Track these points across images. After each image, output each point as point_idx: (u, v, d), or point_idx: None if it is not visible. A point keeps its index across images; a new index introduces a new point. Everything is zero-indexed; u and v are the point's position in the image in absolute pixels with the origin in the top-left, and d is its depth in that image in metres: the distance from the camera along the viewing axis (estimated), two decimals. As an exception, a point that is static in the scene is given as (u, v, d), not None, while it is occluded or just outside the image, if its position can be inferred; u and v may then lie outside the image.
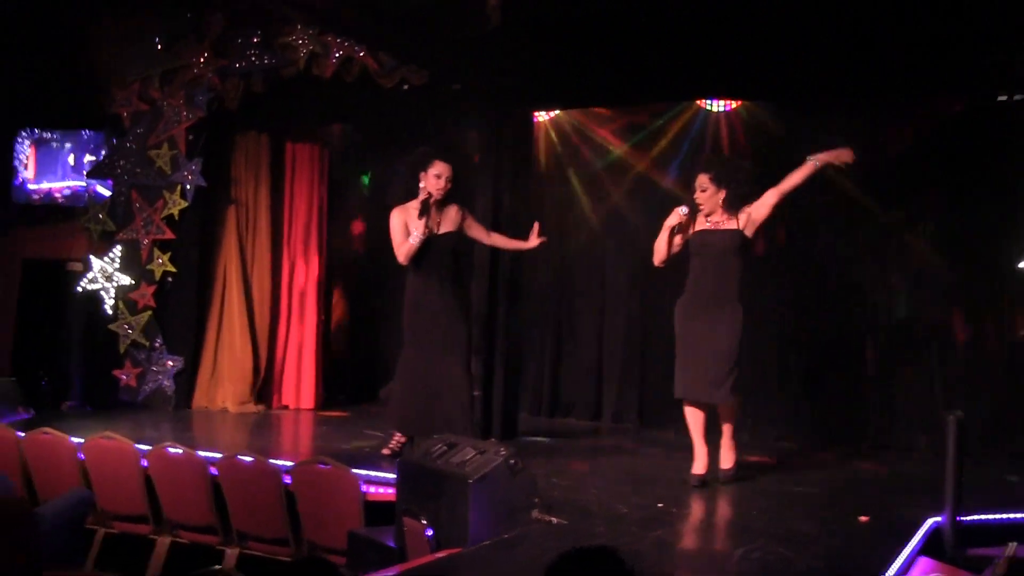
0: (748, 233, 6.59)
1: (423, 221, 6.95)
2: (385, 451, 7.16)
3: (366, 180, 10.94)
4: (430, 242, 7.02)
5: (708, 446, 6.57)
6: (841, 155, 6.49)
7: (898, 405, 8.46)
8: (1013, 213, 7.53)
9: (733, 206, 6.59)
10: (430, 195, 6.98)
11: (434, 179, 6.98)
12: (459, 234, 7.20)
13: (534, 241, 7.26)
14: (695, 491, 6.35)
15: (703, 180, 6.64)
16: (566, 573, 2.38)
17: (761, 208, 6.56)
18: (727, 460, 6.68)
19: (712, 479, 6.54)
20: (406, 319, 7.26)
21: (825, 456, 7.95)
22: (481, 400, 7.94)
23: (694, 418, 6.61)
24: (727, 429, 6.65)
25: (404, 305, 7.28)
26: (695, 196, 6.66)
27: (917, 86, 7.53)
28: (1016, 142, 7.61)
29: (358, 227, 11.08)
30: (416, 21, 7.11)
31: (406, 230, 7.04)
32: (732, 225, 6.59)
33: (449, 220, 7.14)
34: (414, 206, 7.04)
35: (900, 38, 7.07)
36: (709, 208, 6.62)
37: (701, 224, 6.66)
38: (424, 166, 7.02)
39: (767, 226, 8.60)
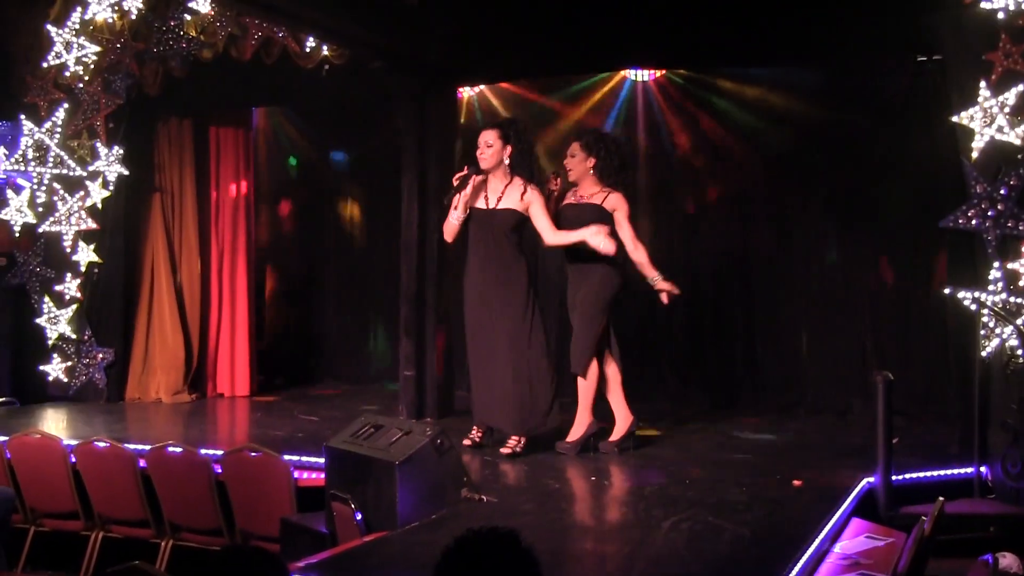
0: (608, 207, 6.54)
1: (455, 199, 6.44)
2: (466, 442, 6.60)
3: (293, 162, 10.82)
4: (476, 218, 6.49)
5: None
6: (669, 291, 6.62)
7: (831, 369, 8.52)
8: (935, 169, 7.57)
9: (605, 178, 6.58)
10: (467, 170, 6.46)
11: (481, 149, 6.48)
12: (519, 213, 6.46)
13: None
14: (628, 463, 6.39)
15: (573, 147, 6.67)
16: (461, 557, 2.34)
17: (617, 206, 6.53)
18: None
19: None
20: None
21: (759, 422, 7.99)
22: (414, 380, 7.89)
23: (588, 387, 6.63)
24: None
25: None
26: (564, 162, 6.71)
27: (838, 48, 7.55)
28: (932, 102, 7.64)
29: (287, 209, 10.99)
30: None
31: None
32: (598, 200, 6.57)
33: (511, 196, 6.46)
34: (481, 178, 6.52)
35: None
36: (576, 176, 6.62)
37: (567, 198, 6.68)
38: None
39: (699, 187, 8.79)
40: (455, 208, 6.52)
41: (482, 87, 9.38)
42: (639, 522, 4.92)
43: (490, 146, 6.45)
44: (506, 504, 5.21)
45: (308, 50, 8.25)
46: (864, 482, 5.82)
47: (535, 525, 4.75)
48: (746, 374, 8.87)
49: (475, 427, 6.70)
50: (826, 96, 8.44)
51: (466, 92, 9.32)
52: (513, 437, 6.47)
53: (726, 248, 8.99)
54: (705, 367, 9.03)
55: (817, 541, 4.75)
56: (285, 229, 10.99)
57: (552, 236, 6.46)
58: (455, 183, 6.51)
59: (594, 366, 6.58)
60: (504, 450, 6.44)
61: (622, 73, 9.04)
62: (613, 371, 6.71)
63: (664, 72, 8.95)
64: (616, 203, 6.53)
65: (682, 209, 9.09)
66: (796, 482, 5.83)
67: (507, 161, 6.47)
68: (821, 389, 8.53)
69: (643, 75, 9.00)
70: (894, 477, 5.85)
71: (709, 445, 7.14)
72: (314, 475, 6.22)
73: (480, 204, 6.53)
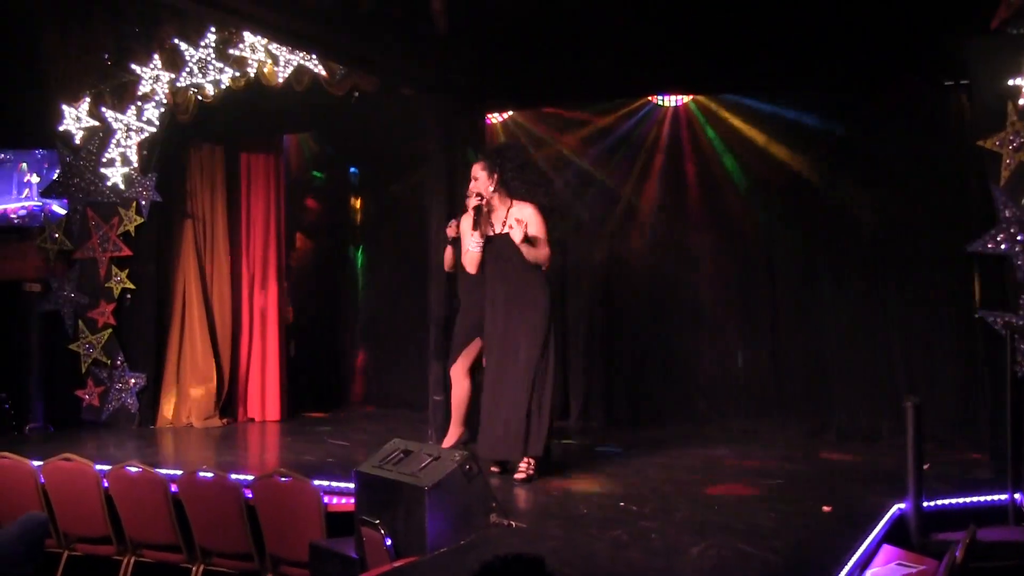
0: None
1: (477, 230, 6.58)
2: (493, 468, 6.60)
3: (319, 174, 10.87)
4: (487, 246, 6.63)
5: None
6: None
7: (860, 393, 8.46)
8: (964, 191, 7.54)
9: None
10: (481, 198, 6.58)
11: (472, 183, 6.66)
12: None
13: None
14: (657, 490, 6.36)
15: (474, 170, 6.77)
16: (487, 583, 2.35)
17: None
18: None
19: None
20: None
21: (789, 447, 7.96)
22: (443, 404, 7.91)
23: None
24: None
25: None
26: (470, 187, 6.78)
27: (865, 72, 7.55)
28: (960, 125, 7.62)
29: (316, 234, 11.07)
30: (365, 29, 7.06)
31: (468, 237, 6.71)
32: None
33: (502, 220, 6.63)
34: (468, 214, 6.70)
35: (848, 24, 7.10)
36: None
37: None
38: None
39: (725, 209, 8.79)
40: (472, 235, 6.60)
41: (511, 112, 9.42)
42: (668, 548, 4.90)
43: (476, 177, 6.60)
44: (534, 529, 5.22)
45: (338, 77, 8.35)
46: (895, 508, 5.77)
47: (563, 551, 4.76)
48: (774, 398, 8.82)
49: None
50: (852, 119, 8.43)
51: (495, 117, 9.38)
52: (523, 461, 6.48)
53: (751, 271, 8.97)
54: (732, 390, 8.99)
55: (847, 568, 4.72)
56: (315, 254, 11.06)
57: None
58: (472, 211, 6.59)
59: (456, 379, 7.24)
60: (518, 475, 6.45)
61: (649, 98, 9.07)
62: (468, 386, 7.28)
63: (691, 97, 8.97)
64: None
65: (708, 232, 9.08)
66: (826, 508, 5.80)
67: (493, 188, 6.58)
68: (850, 414, 8.46)
69: (670, 100, 9.03)
70: (925, 503, 5.79)
71: (737, 470, 7.11)
72: (343, 500, 6.24)
73: (489, 232, 6.62)
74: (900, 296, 8.42)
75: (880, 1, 6.97)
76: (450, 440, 7.23)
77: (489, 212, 6.63)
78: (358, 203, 11.06)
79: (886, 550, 5.36)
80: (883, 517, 5.62)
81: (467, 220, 6.69)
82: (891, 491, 5.94)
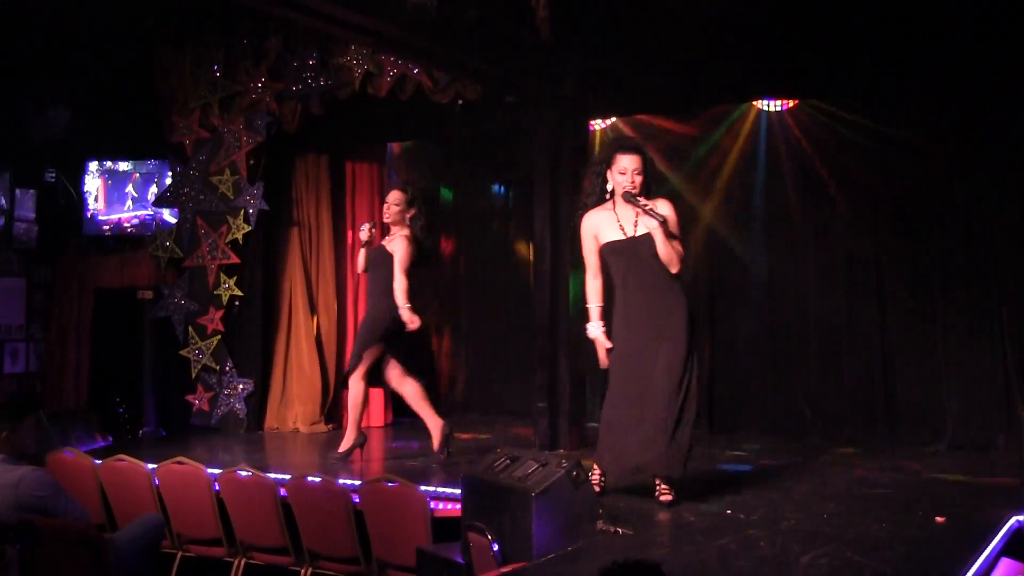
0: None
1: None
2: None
3: (448, 194, 10.97)
4: (616, 250, 5.98)
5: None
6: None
7: (973, 402, 8.23)
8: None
9: (415, 227, 7.51)
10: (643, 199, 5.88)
11: (630, 177, 5.91)
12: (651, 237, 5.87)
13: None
14: (760, 497, 6.26)
15: (396, 196, 7.54)
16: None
17: None
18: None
19: None
20: None
21: (898, 457, 7.79)
22: (547, 411, 7.92)
23: None
24: None
25: None
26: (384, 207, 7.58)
27: (985, 77, 7.37)
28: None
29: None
30: (469, 37, 7.12)
31: (593, 238, 6.06)
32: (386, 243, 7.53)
33: (633, 222, 5.98)
34: (605, 208, 6.05)
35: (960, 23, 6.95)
36: (393, 221, 7.55)
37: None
38: (609, 163, 6.03)
39: (831, 213, 8.72)
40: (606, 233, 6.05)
41: (614, 119, 9.39)
42: (777, 557, 4.83)
43: (640, 173, 5.94)
44: (642, 537, 5.19)
45: (442, 86, 8.44)
46: (1013, 520, 5.59)
47: (672, 559, 4.73)
48: (883, 407, 8.62)
49: (597, 471, 6.11)
50: (964, 124, 8.21)
51: (597, 124, 9.36)
52: (664, 482, 6.00)
53: (858, 276, 8.80)
54: (839, 399, 8.82)
55: (965, 579, 4.61)
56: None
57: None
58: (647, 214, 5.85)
59: (353, 383, 7.62)
60: (665, 498, 5.93)
61: (755, 103, 8.96)
62: (412, 387, 7.63)
63: (798, 102, 8.83)
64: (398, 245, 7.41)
65: (812, 236, 8.93)
66: (939, 518, 5.66)
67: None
68: (962, 423, 8.23)
69: (775, 105, 8.90)
70: (1048, 517, 5.62)
71: (846, 479, 6.98)
72: (448, 506, 6.27)
73: (614, 235, 6.01)
74: (1014, 303, 8.18)
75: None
76: (347, 444, 7.72)
77: (609, 212, 6.04)
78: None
79: (1005, 563, 5.21)
80: (1001, 529, 5.45)
81: (604, 218, 6.03)
82: (1008, 504, 5.76)
